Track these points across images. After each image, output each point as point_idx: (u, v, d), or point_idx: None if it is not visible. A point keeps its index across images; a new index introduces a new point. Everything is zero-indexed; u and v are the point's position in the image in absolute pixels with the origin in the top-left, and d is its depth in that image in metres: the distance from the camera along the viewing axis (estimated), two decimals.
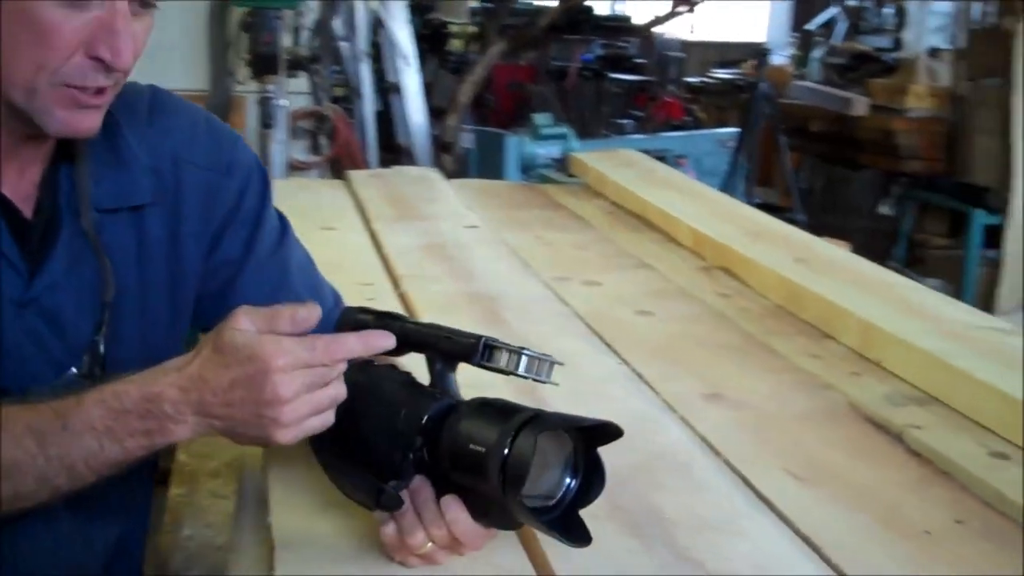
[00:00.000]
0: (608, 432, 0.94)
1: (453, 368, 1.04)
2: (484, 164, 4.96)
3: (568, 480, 0.95)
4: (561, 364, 1.00)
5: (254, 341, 0.96)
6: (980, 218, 5.14)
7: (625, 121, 7.17)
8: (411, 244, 2.32)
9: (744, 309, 1.96)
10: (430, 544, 0.98)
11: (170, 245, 1.20)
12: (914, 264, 5.49)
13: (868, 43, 7.36)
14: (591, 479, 0.95)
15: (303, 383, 0.96)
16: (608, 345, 1.70)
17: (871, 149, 5.86)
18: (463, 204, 2.81)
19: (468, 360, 1.00)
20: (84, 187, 1.13)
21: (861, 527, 1.15)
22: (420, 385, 1.04)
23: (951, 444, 1.36)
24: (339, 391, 0.98)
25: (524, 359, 0.98)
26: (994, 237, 5.10)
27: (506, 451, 0.91)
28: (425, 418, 0.99)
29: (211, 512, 2.12)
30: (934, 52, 5.89)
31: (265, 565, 1.13)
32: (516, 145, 4.79)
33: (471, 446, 0.95)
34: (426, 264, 2.19)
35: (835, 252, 2.20)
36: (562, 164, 3.86)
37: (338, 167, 4.84)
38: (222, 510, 2.07)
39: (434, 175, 3.28)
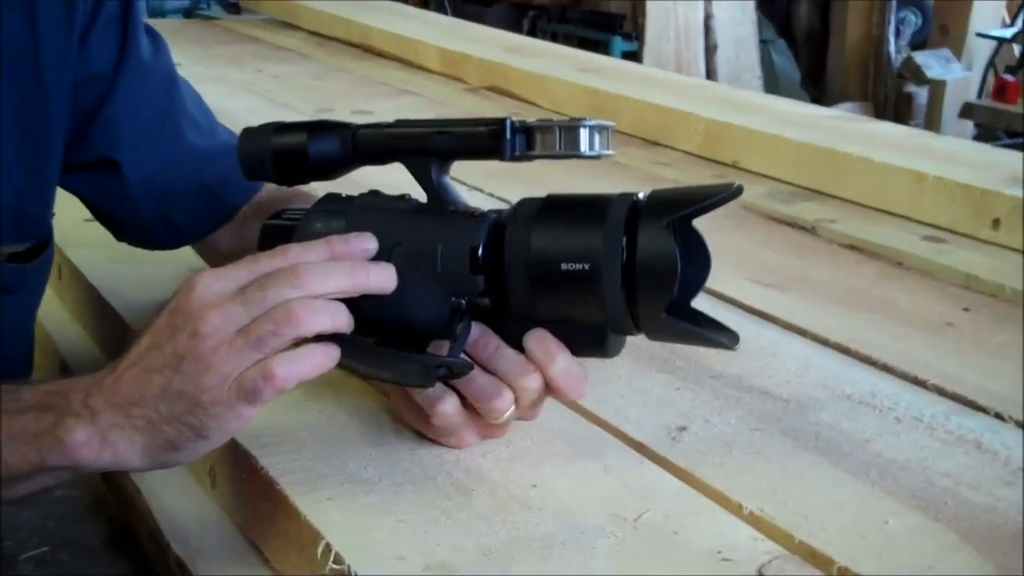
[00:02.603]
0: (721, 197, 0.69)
1: (449, 172, 0.77)
2: None
3: None
4: (613, 125, 0.74)
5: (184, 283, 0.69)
6: (618, 45, 5.21)
7: None
8: None
9: None
10: (513, 407, 0.72)
11: (25, 55, 0.83)
12: None
13: None
14: (692, 259, 0.70)
15: (237, 293, 0.67)
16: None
17: None
18: None
19: (494, 155, 0.72)
20: None
21: (880, 326, 1.01)
22: (431, 207, 0.75)
23: (878, 234, 1.24)
24: (284, 315, 0.66)
25: (584, 132, 0.70)
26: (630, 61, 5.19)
27: (625, 257, 0.67)
28: (479, 248, 0.72)
29: None
30: None
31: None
32: None
33: (564, 266, 0.69)
34: None
35: (614, 62, 2.04)
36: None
37: None
38: None
39: None
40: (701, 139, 1.57)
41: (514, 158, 0.72)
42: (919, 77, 5.57)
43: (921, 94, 5.60)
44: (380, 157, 0.77)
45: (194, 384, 0.65)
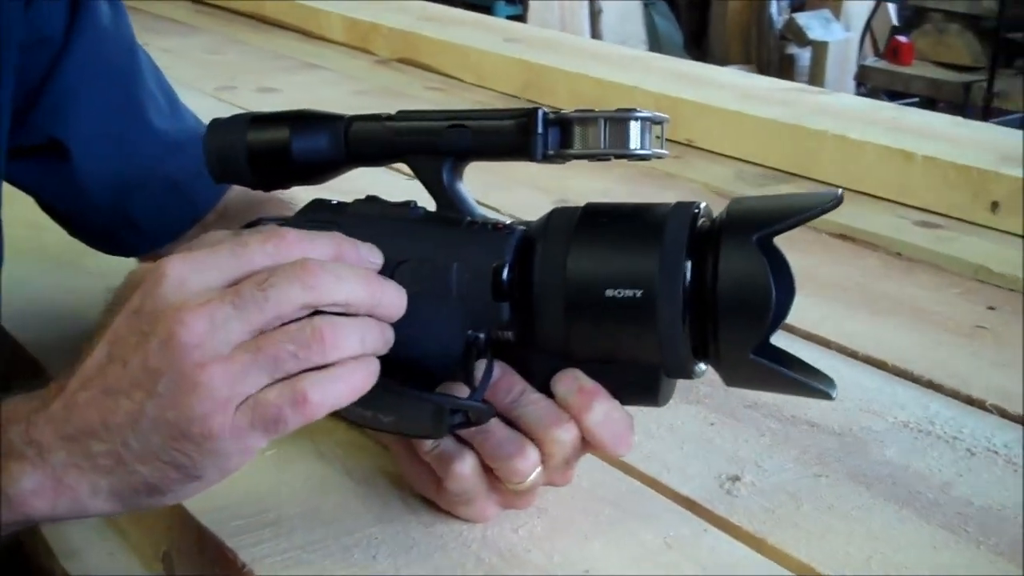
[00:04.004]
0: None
1: (462, 176, 0.62)
2: None
3: None
4: (668, 118, 0.60)
5: (146, 267, 0.53)
6: (502, 9, 5.09)
7: None
8: None
9: (480, 103, 1.62)
10: (539, 468, 0.59)
11: None
12: None
13: None
14: (777, 284, 0.55)
15: (227, 294, 0.51)
16: None
17: None
18: None
19: (521, 154, 0.58)
20: None
21: (906, 332, 0.90)
22: (443, 217, 0.61)
23: (867, 221, 1.14)
24: (307, 330, 0.52)
25: (635, 125, 0.56)
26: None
27: (698, 283, 0.54)
28: (504, 268, 0.58)
29: None
30: None
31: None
32: None
33: (608, 293, 0.56)
34: None
35: (543, 32, 1.90)
36: None
37: None
38: None
39: None
40: None
41: (546, 158, 0.58)
42: (801, 38, 5.57)
43: (803, 56, 5.60)
44: (379, 156, 0.62)
45: (178, 411, 0.50)
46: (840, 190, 0.56)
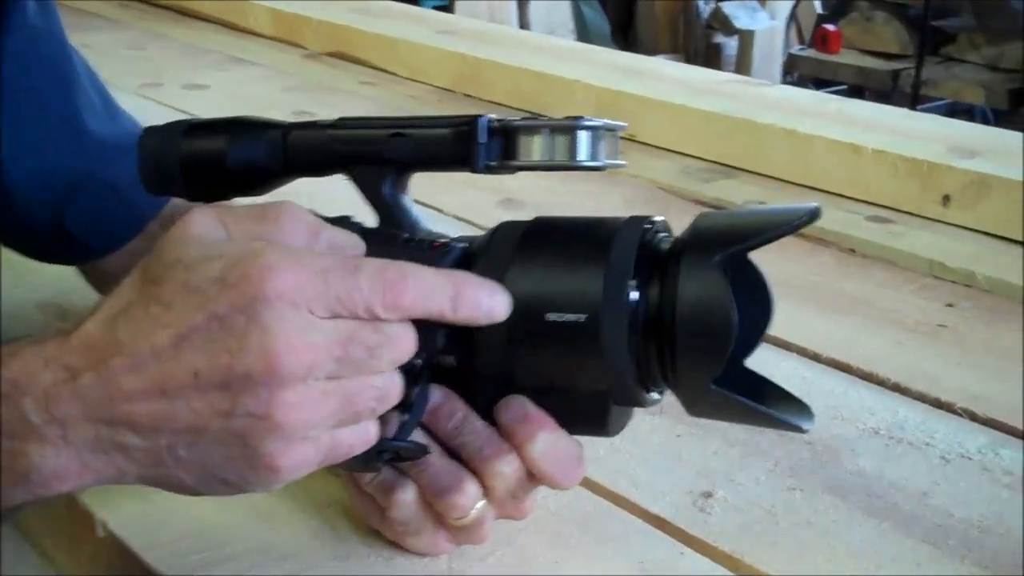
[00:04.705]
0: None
1: (406, 187, 0.59)
2: None
3: None
4: (625, 126, 0.57)
5: (228, 250, 0.48)
6: (428, 2, 5.02)
7: None
8: None
9: (414, 97, 1.57)
10: (483, 501, 0.55)
11: None
12: None
13: None
14: (746, 305, 0.51)
15: (333, 344, 0.47)
16: None
17: None
18: None
19: (462, 164, 0.55)
20: None
21: (868, 333, 0.88)
22: (381, 234, 0.57)
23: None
24: (390, 387, 0.50)
25: (584, 136, 0.53)
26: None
27: (654, 306, 0.51)
28: None
29: None
30: None
31: None
32: None
33: (550, 316, 0.52)
34: None
35: (475, 23, 1.87)
36: None
37: None
38: None
39: None
40: (593, 110, 1.41)
41: (489, 169, 0.55)
42: (728, 27, 5.59)
43: (730, 44, 5.62)
44: (318, 167, 0.59)
45: (250, 445, 0.47)
46: (816, 204, 0.53)
